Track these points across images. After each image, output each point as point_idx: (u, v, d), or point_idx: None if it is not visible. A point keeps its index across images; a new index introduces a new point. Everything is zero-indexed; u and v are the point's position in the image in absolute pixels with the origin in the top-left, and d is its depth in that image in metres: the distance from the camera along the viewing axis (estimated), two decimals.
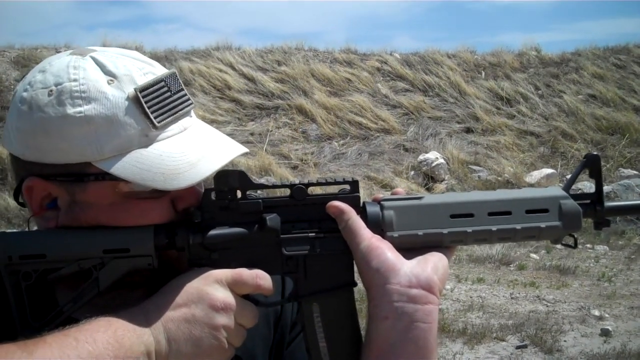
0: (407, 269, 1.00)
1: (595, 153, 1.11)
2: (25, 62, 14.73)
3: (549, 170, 13.60)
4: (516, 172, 13.35)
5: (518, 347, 6.18)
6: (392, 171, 13.50)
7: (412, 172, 13.53)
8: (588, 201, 1.12)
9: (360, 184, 1.08)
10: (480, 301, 7.57)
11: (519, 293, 7.89)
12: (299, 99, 15.16)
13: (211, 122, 13.74)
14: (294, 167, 13.41)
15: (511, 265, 9.18)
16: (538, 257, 9.46)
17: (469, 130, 15.29)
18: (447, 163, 13.67)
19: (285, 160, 13.49)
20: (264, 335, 1.26)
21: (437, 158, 13.50)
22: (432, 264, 1.03)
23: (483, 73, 17.26)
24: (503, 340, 6.37)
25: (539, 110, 15.94)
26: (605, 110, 15.82)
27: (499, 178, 13.25)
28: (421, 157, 13.69)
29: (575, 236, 1.11)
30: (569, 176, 12.18)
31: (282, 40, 17.85)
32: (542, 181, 13.09)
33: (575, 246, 1.12)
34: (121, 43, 16.42)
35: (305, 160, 13.61)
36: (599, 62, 17.81)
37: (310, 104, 15.06)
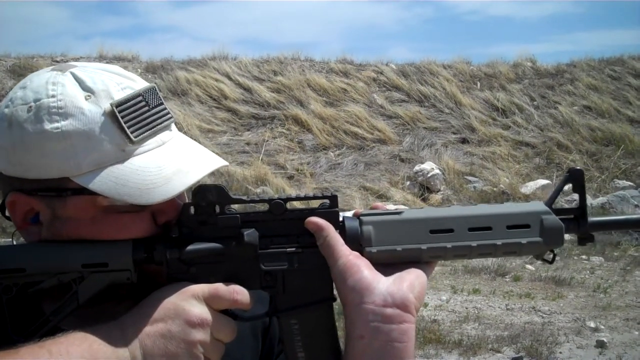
0: (382, 288, 1.00)
1: (578, 168, 1.09)
2: (21, 71, 14.75)
3: (545, 181, 13.63)
4: (512, 183, 13.37)
5: (514, 359, 6.17)
6: (387, 181, 13.51)
7: (408, 183, 13.54)
8: (571, 216, 1.09)
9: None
10: (476, 312, 7.56)
11: (515, 304, 7.88)
12: (295, 109, 15.20)
13: (207, 131, 13.78)
14: (290, 177, 13.42)
15: (507, 276, 9.18)
16: (534, 268, 9.46)
17: (464, 141, 15.34)
18: (443, 174, 13.69)
19: (281, 170, 13.51)
20: (252, 346, 1.27)
21: (432, 169, 13.52)
22: (408, 282, 1.02)
23: (478, 84, 17.33)
24: (499, 352, 6.35)
25: (534, 121, 16.00)
26: (600, 122, 15.89)
27: (495, 189, 13.27)
28: (417, 168, 13.71)
29: (555, 252, 1.09)
30: (564, 187, 12.35)
31: (278, 50, 17.89)
32: (537, 192, 13.12)
33: (552, 262, 1.09)
34: (117, 52, 16.50)
35: (301, 170, 13.62)
36: (593, 74, 17.91)
37: (306, 114, 15.10)
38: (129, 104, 1.04)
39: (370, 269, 1.02)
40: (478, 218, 1.06)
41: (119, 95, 1.04)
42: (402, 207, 1.11)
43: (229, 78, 15.97)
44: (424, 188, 13.37)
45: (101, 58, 15.81)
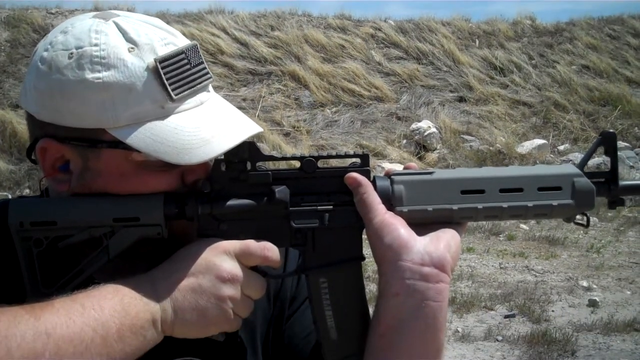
0: (420, 247, 1.00)
1: (611, 130, 1.09)
2: (16, 22, 14.50)
3: (541, 141, 13.64)
4: (508, 142, 13.38)
5: (506, 317, 6.26)
6: (384, 140, 13.49)
7: (404, 141, 13.53)
8: (602, 179, 1.10)
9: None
10: (470, 270, 7.65)
11: (508, 263, 7.98)
12: (292, 65, 15.05)
13: None
14: (287, 135, 13.37)
15: (501, 235, 9.27)
16: (527, 228, 9.54)
17: (461, 100, 15.27)
18: (440, 132, 13.67)
19: (277, 127, 13.45)
20: (263, 307, 1.25)
21: (429, 127, 13.49)
22: (445, 241, 1.02)
23: (477, 42, 17.17)
24: (492, 310, 6.46)
25: (532, 80, 15.92)
26: (598, 82, 15.83)
27: (491, 148, 13.28)
28: (413, 126, 13.69)
29: (588, 215, 1.10)
30: (560, 147, 12.17)
31: (275, 5, 17.62)
32: (533, 152, 13.14)
33: (587, 225, 1.11)
34: (112, 4, 16.17)
35: (297, 128, 13.57)
36: (593, 33, 17.76)
37: (303, 70, 14.96)
38: (172, 60, 1.02)
39: (406, 227, 1.01)
40: (509, 179, 1.06)
41: (163, 50, 1.03)
42: (398, 165, 1.11)
43: (226, 32, 15.73)
44: (421, 146, 13.37)
45: (96, 10, 15.50)
